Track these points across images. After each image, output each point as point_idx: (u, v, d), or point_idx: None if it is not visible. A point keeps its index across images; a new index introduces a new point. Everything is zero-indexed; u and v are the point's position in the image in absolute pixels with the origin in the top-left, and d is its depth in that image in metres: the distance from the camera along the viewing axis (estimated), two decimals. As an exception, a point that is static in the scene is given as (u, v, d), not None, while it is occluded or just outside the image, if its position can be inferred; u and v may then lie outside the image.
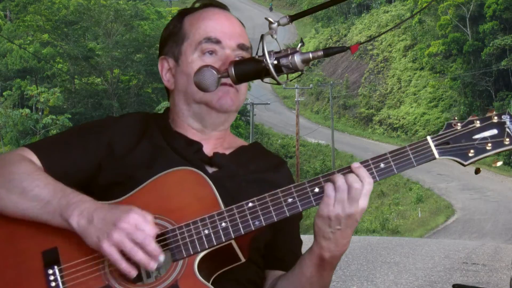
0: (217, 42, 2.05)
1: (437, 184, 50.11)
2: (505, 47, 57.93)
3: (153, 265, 1.76)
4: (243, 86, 2.07)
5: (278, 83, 1.85)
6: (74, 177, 1.97)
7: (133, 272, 1.77)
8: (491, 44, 58.16)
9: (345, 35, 78.29)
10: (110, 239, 1.75)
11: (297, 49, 1.79)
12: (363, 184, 1.81)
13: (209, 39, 2.04)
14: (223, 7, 2.15)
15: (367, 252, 17.42)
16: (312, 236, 1.90)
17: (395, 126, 64.87)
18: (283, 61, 1.78)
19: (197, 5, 2.17)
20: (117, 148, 2.02)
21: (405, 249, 18.83)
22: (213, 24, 2.07)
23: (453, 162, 1.86)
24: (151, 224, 1.78)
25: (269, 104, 55.60)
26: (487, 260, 16.87)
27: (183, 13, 2.16)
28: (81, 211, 1.80)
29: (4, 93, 47.95)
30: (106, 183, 1.97)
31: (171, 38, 2.13)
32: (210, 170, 2.03)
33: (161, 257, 1.77)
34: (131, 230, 1.75)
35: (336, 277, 12.24)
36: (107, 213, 1.79)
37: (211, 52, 2.05)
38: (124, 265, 1.76)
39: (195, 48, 2.06)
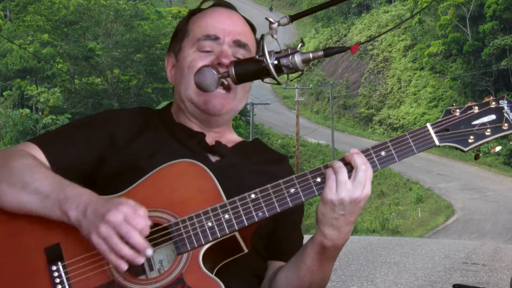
0: (216, 38, 2.06)
1: (437, 184, 50.03)
2: (505, 47, 57.94)
3: (139, 260, 1.73)
4: (240, 89, 2.07)
5: (279, 83, 1.85)
6: (78, 169, 1.98)
7: (122, 266, 1.73)
8: (491, 44, 58.16)
9: (345, 35, 78.24)
10: (98, 232, 1.73)
11: (298, 49, 1.79)
12: (366, 169, 1.81)
13: (208, 37, 2.06)
14: (230, 6, 2.16)
15: (367, 252, 17.41)
16: (312, 236, 1.89)
17: (395, 126, 64.80)
18: (284, 61, 1.78)
19: (205, 5, 2.18)
20: (119, 139, 2.02)
21: (405, 249, 18.82)
22: (213, 21, 2.08)
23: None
24: (141, 217, 1.74)
25: (269, 104, 55.56)
26: (487, 260, 16.86)
27: (191, 13, 2.18)
28: (78, 205, 1.79)
29: (4, 93, 47.92)
30: (109, 173, 1.98)
31: (176, 36, 2.16)
32: (213, 159, 2.04)
33: (149, 251, 1.73)
34: (118, 223, 1.72)
35: (336, 277, 12.24)
36: (99, 206, 1.77)
37: (208, 51, 2.06)
38: (113, 257, 1.73)
39: (193, 44, 2.08)
